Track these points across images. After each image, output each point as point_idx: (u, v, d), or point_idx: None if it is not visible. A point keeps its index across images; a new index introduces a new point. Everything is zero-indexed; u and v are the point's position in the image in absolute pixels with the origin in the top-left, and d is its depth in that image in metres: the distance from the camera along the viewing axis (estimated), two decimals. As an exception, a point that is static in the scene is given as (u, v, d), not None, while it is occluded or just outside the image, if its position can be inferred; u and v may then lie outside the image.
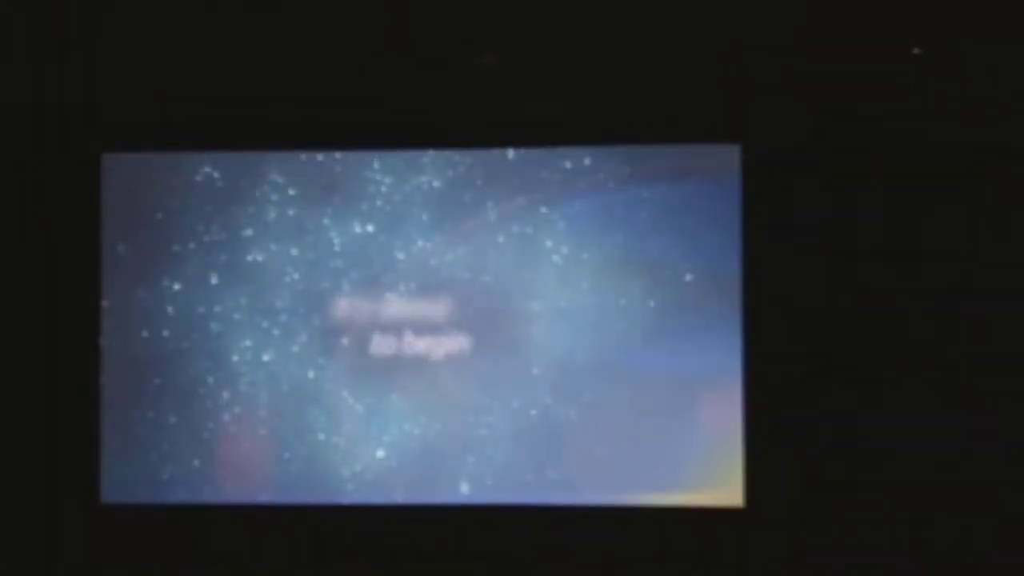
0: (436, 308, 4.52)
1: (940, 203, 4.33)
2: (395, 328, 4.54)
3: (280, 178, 4.58)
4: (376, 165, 4.58)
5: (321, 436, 4.53)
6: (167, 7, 3.83)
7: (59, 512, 4.48)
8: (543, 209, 4.51)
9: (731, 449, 4.39)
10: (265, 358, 4.55)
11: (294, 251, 4.56)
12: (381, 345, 4.54)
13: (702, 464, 4.41)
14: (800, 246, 4.37)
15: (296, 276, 4.56)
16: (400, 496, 4.50)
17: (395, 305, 4.54)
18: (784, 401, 4.34)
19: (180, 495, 4.53)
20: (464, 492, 4.48)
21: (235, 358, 4.55)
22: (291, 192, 4.58)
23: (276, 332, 4.56)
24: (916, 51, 3.96)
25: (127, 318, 4.57)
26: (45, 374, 4.51)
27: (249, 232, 4.57)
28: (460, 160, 4.55)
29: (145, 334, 4.56)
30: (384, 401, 4.52)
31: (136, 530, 4.51)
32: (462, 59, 4.18)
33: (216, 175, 4.59)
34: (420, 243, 4.54)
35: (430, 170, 4.56)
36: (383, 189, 4.57)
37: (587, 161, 4.51)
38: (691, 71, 4.24)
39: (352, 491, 4.51)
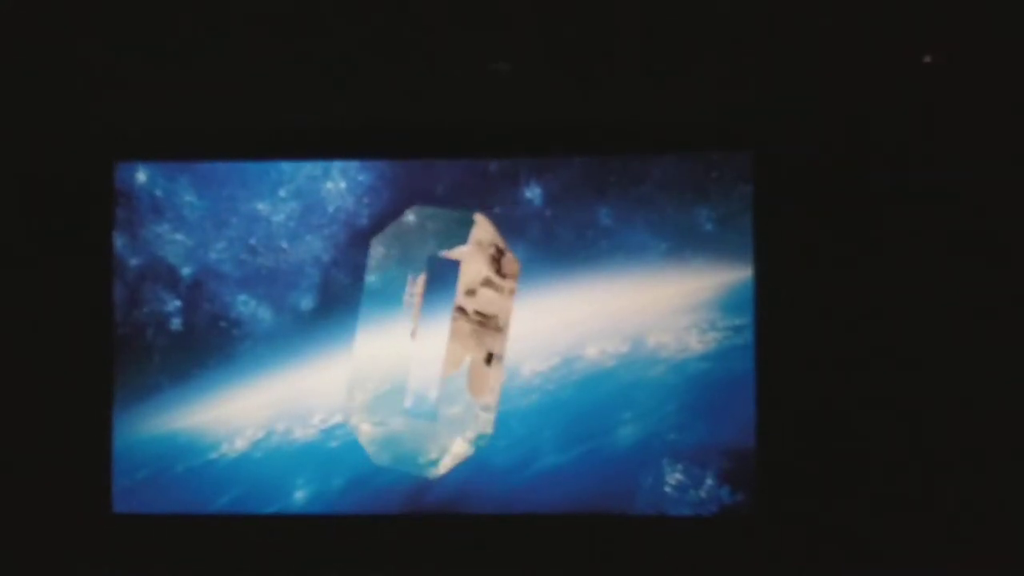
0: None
1: (949, 210, 4.38)
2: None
3: (292, 188, 4.57)
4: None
5: (330, 442, 4.52)
6: (179, 14, 3.84)
7: (70, 522, 4.47)
8: (551, 214, 4.53)
9: (742, 454, 4.42)
10: (275, 365, 4.55)
11: (309, 259, 4.56)
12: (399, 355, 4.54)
13: (713, 469, 4.43)
14: (811, 252, 4.41)
15: (314, 282, 4.55)
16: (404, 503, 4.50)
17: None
18: (797, 407, 4.37)
19: (191, 504, 4.52)
20: (464, 497, 4.49)
21: (249, 367, 4.54)
22: (299, 202, 4.57)
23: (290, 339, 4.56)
24: (927, 59, 4.02)
25: (139, 327, 4.55)
26: (56, 383, 4.49)
27: (261, 240, 4.56)
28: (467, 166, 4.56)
29: (158, 343, 4.55)
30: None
31: (147, 540, 4.50)
32: (473, 67, 4.21)
33: (225, 181, 4.58)
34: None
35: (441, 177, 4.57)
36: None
37: (596, 167, 4.53)
38: (702, 78, 4.27)
39: (355, 498, 4.51)
